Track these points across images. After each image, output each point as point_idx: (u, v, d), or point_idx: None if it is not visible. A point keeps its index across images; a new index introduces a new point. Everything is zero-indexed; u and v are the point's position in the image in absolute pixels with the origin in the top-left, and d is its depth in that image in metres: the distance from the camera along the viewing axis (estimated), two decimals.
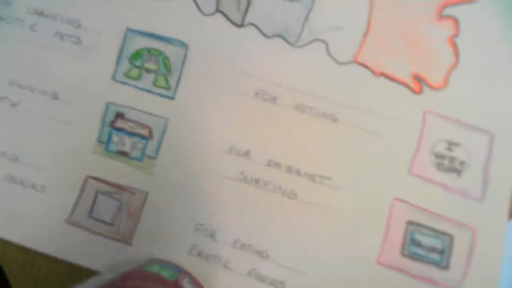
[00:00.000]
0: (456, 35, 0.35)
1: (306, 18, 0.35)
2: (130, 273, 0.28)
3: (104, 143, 0.35)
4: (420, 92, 0.34)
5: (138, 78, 0.36)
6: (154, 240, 0.33)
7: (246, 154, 0.34)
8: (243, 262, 0.33)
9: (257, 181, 0.34)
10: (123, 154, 0.35)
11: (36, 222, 0.33)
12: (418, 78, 0.35)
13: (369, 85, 0.35)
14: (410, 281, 0.31)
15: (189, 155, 0.34)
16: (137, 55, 0.36)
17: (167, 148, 0.34)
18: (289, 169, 0.34)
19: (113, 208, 0.34)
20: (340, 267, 0.32)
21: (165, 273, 0.28)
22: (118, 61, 0.36)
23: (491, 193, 0.33)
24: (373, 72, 0.35)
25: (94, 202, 0.34)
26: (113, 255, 0.33)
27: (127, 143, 0.35)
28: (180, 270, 0.31)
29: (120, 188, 0.34)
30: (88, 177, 0.34)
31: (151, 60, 0.36)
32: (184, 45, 0.36)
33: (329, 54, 0.35)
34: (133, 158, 0.35)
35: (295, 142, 0.34)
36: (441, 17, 0.35)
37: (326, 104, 0.34)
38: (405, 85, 0.35)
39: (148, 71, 0.36)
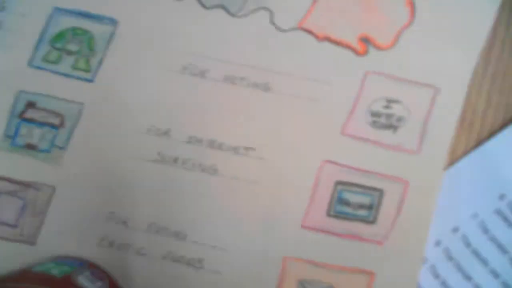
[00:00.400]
0: None
1: None
2: (9, 275, 0.27)
3: (11, 137, 0.32)
4: (364, 53, 0.33)
5: (57, 62, 0.33)
6: (61, 237, 0.31)
7: (166, 133, 0.33)
8: (158, 247, 0.31)
9: (175, 160, 0.32)
10: (30, 147, 0.32)
11: None
12: (364, 40, 0.33)
13: (310, 51, 0.33)
14: (336, 241, 0.30)
15: (103, 140, 0.32)
16: (59, 36, 0.33)
17: (80, 136, 0.32)
18: (211, 144, 0.32)
19: (17, 208, 0.31)
20: (263, 238, 0.31)
21: (56, 271, 0.27)
22: (37, 45, 0.34)
23: (427, 145, 0.31)
24: (316, 37, 0.34)
25: None
26: (16, 258, 0.30)
27: (36, 134, 0.32)
28: (82, 264, 0.29)
29: (25, 185, 0.31)
30: None
31: (75, 41, 0.33)
32: (114, 23, 0.34)
33: (272, 22, 0.34)
34: (41, 151, 0.32)
35: (221, 115, 0.33)
36: None
37: (260, 74, 0.33)
38: (350, 47, 0.33)
39: (69, 53, 0.33)
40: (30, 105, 0.33)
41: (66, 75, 0.34)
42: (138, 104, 0.33)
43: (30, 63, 0.34)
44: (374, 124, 0.32)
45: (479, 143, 0.31)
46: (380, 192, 0.31)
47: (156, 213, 0.32)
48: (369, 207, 0.31)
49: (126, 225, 0.31)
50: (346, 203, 0.31)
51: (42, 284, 0.26)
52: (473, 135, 0.32)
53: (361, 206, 0.31)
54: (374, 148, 0.31)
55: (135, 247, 0.31)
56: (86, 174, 0.32)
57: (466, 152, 0.31)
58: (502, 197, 0.30)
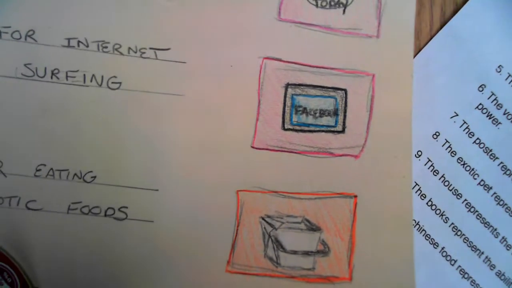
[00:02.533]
0: None
1: None
2: None
3: None
4: None
5: None
6: None
7: (29, 36, 0.23)
8: (57, 196, 0.23)
9: (54, 74, 0.23)
10: None
11: None
12: None
13: None
14: (297, 159, 0.24)
15: None
16: None
17: None
18: (102, 47, 0.23)
19: None
20: (202, 168, 0.23)
21: None
22: None
23: (387, 25, 0.25)
24: None
25: None
26: None
27: None
28: None
29: None
30: None
31: None
32: None
33: None
34: None
35: (106, 2, 0.23)
36: None
37: None
38: None
39: None
40: None
41: None
42: None
43: None
44: (318, 3, 0.24)
45: (444, 21, 0.26)
46: (344, 92, 0.24)
47: (44, 151, 0.23)
48: (334, 113, 0.23)
49: (0, 171, 0.23)
50: (304, 110, 0.23)
51: None
52: (436, 10, 0.26)
53: (324, 113, 0.23)
54: (324, 35, 0.24)
55: (22, 200, 0.23)
56: None
57: (431, 34, 0.26)
58: (481, 88, 0.26)
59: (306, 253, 0.23)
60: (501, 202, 0.26)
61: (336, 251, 0.24)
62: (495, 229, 0.26)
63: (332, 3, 0.24)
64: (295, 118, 0.24)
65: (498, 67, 0.26)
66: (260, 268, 0.23)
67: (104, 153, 0.23)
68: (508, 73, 0.26)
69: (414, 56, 0.25)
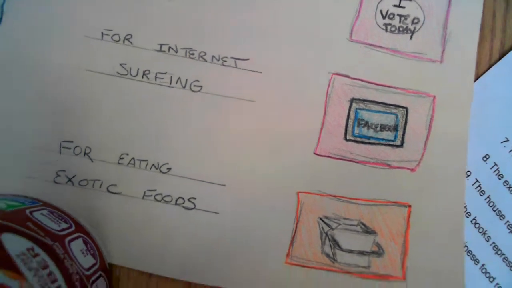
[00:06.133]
0: None
1: None
2: None
3: None
4: None
5: None
6: (3, 173, 0.25)
7: (127, 39, 0.25)
8: (135, 183, 0.25)
9: (145, 74, 0.25)
10: None
11: None
12: None
13: None
14: (357, 168, 0.25)
15: (38, 48, 0.25)
16: None
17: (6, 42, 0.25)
18: (189, 53, 0.25)
19: None
20: (268, 169, 0.25)
21: (2, 204, 0.20)
22: None
23: (451, 52, 0.26)
24: None
25: None
26: None
27: None
28: (35, 202, 0.23)
29: None
30: None
31: None
32: None
33: None
34: None
35: (197, 15, 0.26)
36: None
37: None
38: None
39: None
40: None
41: None
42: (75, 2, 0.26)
43: None
44: (387, 28, 0.26)
45: (503, 53, 0.27)
46: (405, 110, 0.25)
47: (125, 141, 0.25)
48: (394, 128, 0.25)
49: (88, 157, 0.25)
50: (366, 124, 0.25)
51: None
52: (496, 42, 0.28)
53: (384, 127, 0.25)
54: (391, 57, 0.26)
55: (104, 184, 0.25)
56: (23, 93, 0.25)
57: (490, 63, 0.27)
58: None
59: (361, 253, 0.25)
60: None
61: (390, 253, 0.25)
62: None
63: (401, 29, 0.26)
64: (357, 130, 0.25)
65: None
66: (317, 262, 0.25)
67: (180, 148, 0.25)
68: None
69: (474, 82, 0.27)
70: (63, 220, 0.22)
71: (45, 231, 0.19)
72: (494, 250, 0.26)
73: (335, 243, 0.24)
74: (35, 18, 0.25)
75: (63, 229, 0.21)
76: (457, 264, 0.25)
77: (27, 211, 0.20)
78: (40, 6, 0.25)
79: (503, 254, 0.26)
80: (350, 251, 0.24)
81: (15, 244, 0.17)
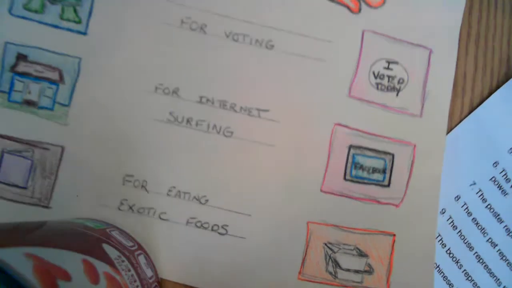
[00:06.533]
0: None
1: None
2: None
3: (6, 93, 0.30)
4: (358, 11, 0.32)
5: (40, 11, 0.30)
6: (75, 200, 0.30)
7: (175, 92, 0.31)
8: (180, 211, 0.30)
9: (189, 121, 0.31)
10: (30, 104, 0.30)
11: None
12: None
13: (306, 7, 0.32)
14: (354, 203, 0.31)
15: (108, 98, 0.30)
16: None
17: (82, 93, 0.30)
18: (223, 105, 0.31)
19: (24, 168, 0.29)
20: (286, 203, 0.31)
21: (90, 224, 0.25)
22: None
23: (429, 108, 0.32)
24: None
25: (0, 164, 0.29)
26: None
27: (34, 90, 0.29)
28: (108, 224, 0.28)
29: (30, 144, 0.29)
30: None
31: None
32: None
33: None
34: (42, 108, 0.30)
35: (228, 74, 0.31)
36: None
37: (260, 30, 0.32)
38: (344, 4, 0.32)
39: (53, 1, 0.30)
40: (22, 57, 0.30)
41: (54, 26, 0.30)
42: (138, 59, 0.31)
43: (11, 11, 0.30)
44: (379, 86, 0.32)
45: (472, 108, 0.32)
46: (391, 156, 0.32)
47: (174, 176, 0.30)
48: (383, 171, 0.31)
49: (145, 189, 0.30)
50: (361, 167, 0.31)
51: (86, 229, 0.24)
52: (466, 99, 0.33)
53: (375, 170, 0.31)
54: (381, 111, 0.32)
55: (157, 211, 0.30)
56: (95, 133, 0.30)
57: (461, 117, 0.33)
58: (495, 164, 0.32)
59: (356, 271, 0.30)
60: (503, 258, 0.31)
61: (378, 272, 0.30)
62: (498, 279, 0.31)
63: (389, 88, 0.32)
64: (354, 172, 0.31)
65: (510, 149, 0.31)
66: (322, 278, 0.30)
67: (216, 184, 0.30)
68: None
69: (447, 134, 0.32)
70: (129, 239, 0.28)
71: (122, 246, 0.26)
72: (465, 276, 0.31)
73: (336, 264, 0.30)
74: (112, 73, 0.30)
75: (131, 246, 0.27)
76: (428, 280, 0.30)
77: (107, 230, 0.26)
78: (115, 67, 0.30)
79: (473, 280, 0.31)
80: (348, 270, 0.30)
81: (111, 252, 0.23)
